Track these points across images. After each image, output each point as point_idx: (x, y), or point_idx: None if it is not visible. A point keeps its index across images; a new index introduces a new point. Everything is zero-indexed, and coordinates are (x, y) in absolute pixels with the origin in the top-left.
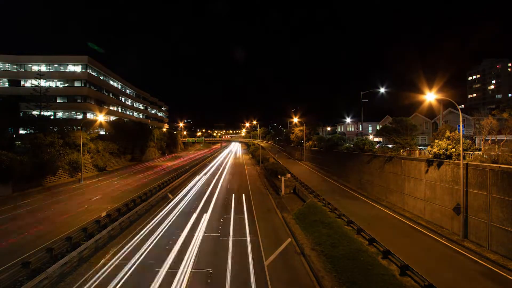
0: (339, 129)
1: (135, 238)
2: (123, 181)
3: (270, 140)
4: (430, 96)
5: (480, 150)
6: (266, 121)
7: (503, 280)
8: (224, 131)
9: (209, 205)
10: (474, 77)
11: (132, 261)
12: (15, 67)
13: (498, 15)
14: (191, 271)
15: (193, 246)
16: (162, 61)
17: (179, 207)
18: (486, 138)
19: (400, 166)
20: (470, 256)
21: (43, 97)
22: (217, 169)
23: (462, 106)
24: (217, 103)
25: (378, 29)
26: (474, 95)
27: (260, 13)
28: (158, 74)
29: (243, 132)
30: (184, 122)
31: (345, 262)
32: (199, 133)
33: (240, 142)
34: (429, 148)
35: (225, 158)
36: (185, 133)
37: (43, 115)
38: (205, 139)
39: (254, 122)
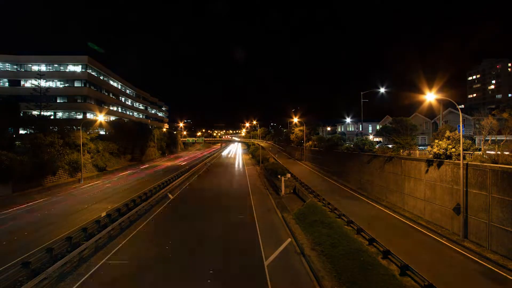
0: (339, 129)
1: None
2: (123, 181)
3: (270, 140)
4: (430, 96)
5: (480, 150)
6: (266, 121)
7: (503, 280)
8: (224, 131)
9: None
10: (474, 77)
11: None
12: (15, 67)
13: (498, 15)
14: None
15: None
16: (162, 61)
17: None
18: (486, 138)
19: (400, 166)
20: (470, 256)
21: (43, 97)
22: (217, 168)
23: (462, 106)
24: (217, 103)
25: (378, 29)
26: (474, 95)
27: (260, 13)
28: (158, 74)
29: (243, 132)
30: (184, 122)
31: (345, 262)
32: (199, 133)
33: (240, 142)
34: (429, 148)
35: (225, 158)
36: (185, 133)
37: (43, 115)
38: (205, 139)
39: (254, 122)
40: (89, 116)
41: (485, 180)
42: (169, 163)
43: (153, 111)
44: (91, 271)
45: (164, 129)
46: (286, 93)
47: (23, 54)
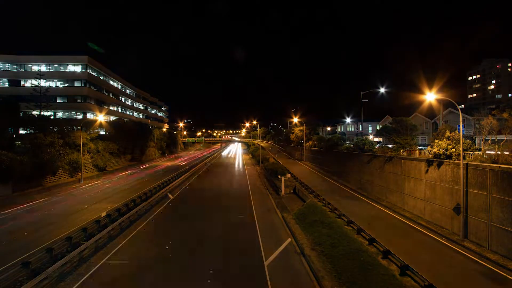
0: (339, 129)
1: None
2: (123, 181)
3: (270, 140)
4: (430, 96)
5: (480, 150)
6: (266, 121)
7: (503, 280)
8: (224, 131)
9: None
10: (474, 77)
11: None
12: (15, 67)
13: (498, 15)
14: None
15: None
16: (162, 61)
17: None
18: (486, 138)
19: (400, 166)
20: (470, 256)
21: (43, 97)
22: (217, 168)
23: (462, 106)
24: (217, 103)
25: (378, 29)
26: (474, 95)
27: (260, 13)
28: (158, 74)
29: (243, 132)
30: (184, 122)
31: (345, 262)
32: (199, 133)
33: (240, 142)
34: (429, 148)
35: (225, 158)
36: (185, 133)
37: (43, 115)
38: (205, 139)
39: (254, 122)
40: (89, 116)
41: (485, 180)
42: (169, 163)
43: (153, 111)
44: (91, 271)
45: (164, 129)
46: (286, 93)
47: (23, 54)
